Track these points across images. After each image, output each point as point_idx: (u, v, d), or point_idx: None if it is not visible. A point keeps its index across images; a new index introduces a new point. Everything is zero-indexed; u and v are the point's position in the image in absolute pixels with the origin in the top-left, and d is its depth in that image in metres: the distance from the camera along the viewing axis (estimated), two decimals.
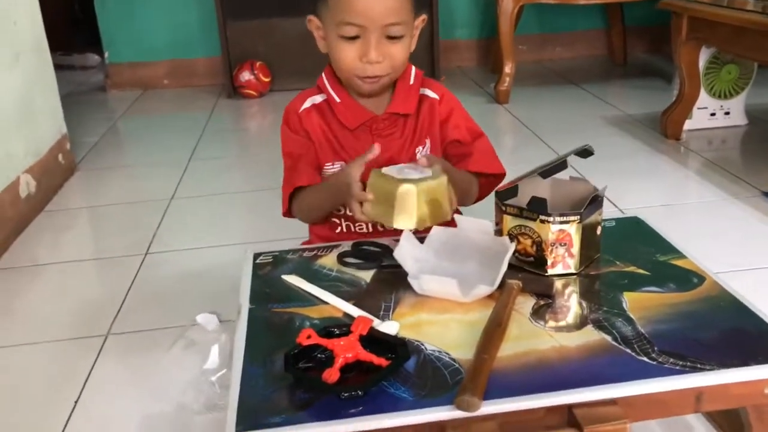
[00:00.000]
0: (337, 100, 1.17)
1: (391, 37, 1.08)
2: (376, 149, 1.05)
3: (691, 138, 2.43)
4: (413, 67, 1.20)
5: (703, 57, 2.37)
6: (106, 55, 3.57)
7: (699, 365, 0.77)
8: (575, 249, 0.96)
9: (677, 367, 0.76)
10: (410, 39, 1.12)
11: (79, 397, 1.24)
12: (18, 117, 2.04)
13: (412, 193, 0.96)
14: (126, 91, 3.54)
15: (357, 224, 1.20)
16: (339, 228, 1.21)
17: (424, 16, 1.15)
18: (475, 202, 1.21)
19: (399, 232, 1.16)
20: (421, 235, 1.03)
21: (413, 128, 1.19)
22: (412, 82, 1.19)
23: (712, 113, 2.49)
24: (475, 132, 1.21)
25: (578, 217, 0.95)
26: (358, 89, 1.15)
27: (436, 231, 1.02)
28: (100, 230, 2.04)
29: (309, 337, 0.81)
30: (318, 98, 1.19)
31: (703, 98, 2.44)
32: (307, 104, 1.19)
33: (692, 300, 0.90)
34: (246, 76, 3.25)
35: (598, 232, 1.01)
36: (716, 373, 0.76)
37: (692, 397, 0.76)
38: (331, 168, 1.18)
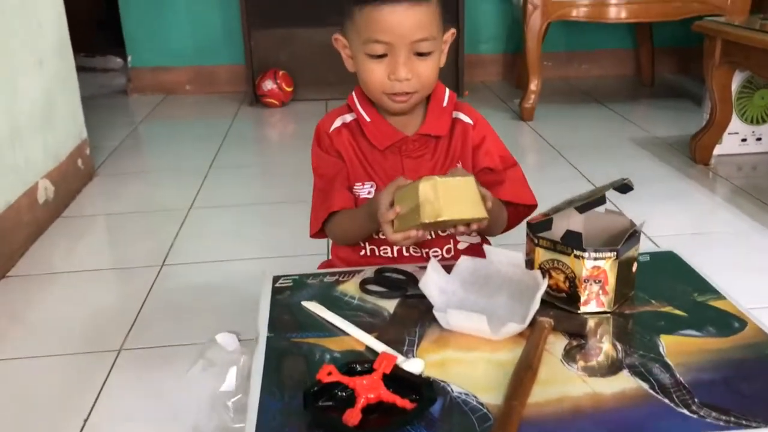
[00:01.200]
0: (367, 119, 1.13)
1: (419, 54, 1.05)
2: (400, 180, 1.00)
3: (720, 163, 2.38)
4: (447, 89, 1.16)
5: (736, 81, 2.32)
6: (129, 58, 3.56)
7: (744, 421, 0.72)
8: (610, 286, 0.92)
9: (721, 423, 0.72)
10: (439, 54, 1.09)
11: (89, 416, 1.21)
12: (39, 121, 2.02)
13: (432, 184, 0.92)
14: (148, 96, 3.54)
15: (382, 248, 1.16)
16: (363, 251, 1.17)
17: (453, 30, 1.11)
18: (503, 232, 1.17)
19: (424, 258, 1.12)
20: (447, 263, 0.99)
21: (445, 151, 1.15)
22: (445, 104, 1.15)
23: (743, 139, 2.43)
24: (509, 160, 1.17)
25: (614, 253, 0.91)
26: (388, 108, 1.11)
27: (464, 261, 0.98)
28: (116, 238, 2.01)
29: (330, 374, 0.77)
30: (348, 117, 1.16)
31: (735, 123, 2.38)
32: (337, 123, 1.15)
33: (734, 347, 0.85)
34: (268, 85, 3.23)
35: (634, 268, 0.97)
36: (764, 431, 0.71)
37: None
38: (361, 188, 1.14)
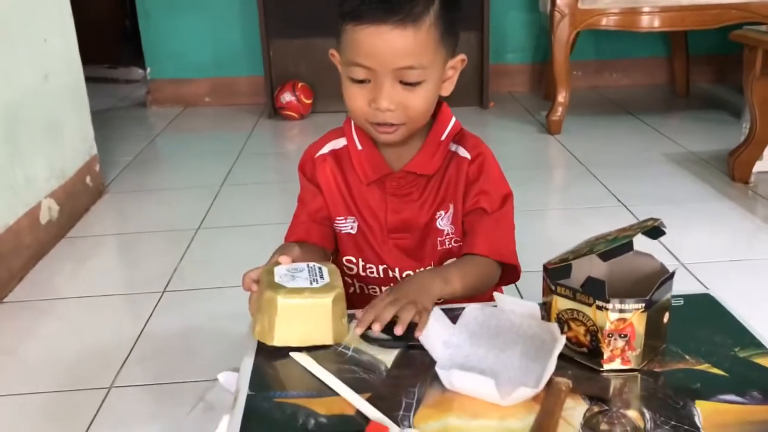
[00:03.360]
0: (359, 147, 1.02)
1: (406, 83, 0.93)
2: (283, 260, 0.91)
3: (761, 182, 2.23)
4: (453, 119, 1.03)
5: None
6: (149, 71, 3.51)
7: None
8: (637, 341, 0.81)
9: None
10: (434, 85, 0.95)
11: None
12: (42, 138, 1.96)
13: (273, 303, 0.83)
14: (167, 108, 3.48)
15: (370, 286, 1.08)
16: (352, 288, 1.09)
17: (463, 56, 0.98)
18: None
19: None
20: (453, 306, 0.88)
21: (435, 190, 1.03)
22: (443, 137, 1.02)
23: None
24: (504, 193, 1.03)
25: (643, 304, 0.79)
26: (375, 138, 1.00)
27: (472, 309, 0.87)
28: (120, 261, 1.94)
29: None
30: (340, 142, 1.05)
31: None
32: (325, 150, 1.06)
33: None
34: (287, 97, 3.15)
35: (666, 319, 0.85)
36: None
37: None
38: (344, 223, 1.05)
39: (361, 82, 0.93)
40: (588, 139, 2.77)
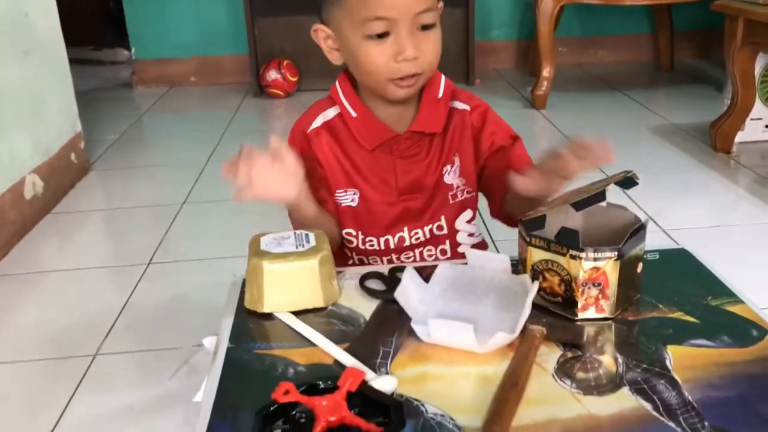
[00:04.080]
0: (353, 114, 1.02)
1: (423, 27, 0.94)
2: (273, 141, 0.90)
3: (742, 151, 2.25)
4: (443, 76, 1.04)
5: (760, 64, 2.19)
6: (133, 51, 3.50)
7: None
8: (611, 290, 0.82)
9: None
10: (439, 28, 0.97)
11: (56, 424, 1.13)
12: (25, 114, 1.95)
13: (260, 269, 0.85)
14: (152, 88, 3.47)
15: (370, 257, 1.07)
16: (351, 261, 1.09)
17: (441, 3, 0.99)
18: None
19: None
20: (425, 264, 0.89)
21: (440, 147, 1.04)
22: (440, 94, 1.03)
23: (767, 125, 2.30)
24: (512, 134, 1.06)
25: (615, 253, 0.80)
26: (391, 96, 0.98)
27: (443, 268, 0.88)
28: (105, 235, 1.94)
29: (287, 392, 0.68)
30: (331, 113, 1.04)
31: (758, 108, 2.26)
32: (317, 123, 1.03)
33: (752, 359, 0.75)
34: (272, 74, 3.14)
35: (639, 269, 0.86)
36: None
37: None
38: (344, 195, 1.04)
39: (380, 37, 0.93)
40: (573, 113, 2.78)
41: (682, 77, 3.32)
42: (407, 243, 1.06)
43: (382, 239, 1.06)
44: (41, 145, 2.01)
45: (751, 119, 2.27)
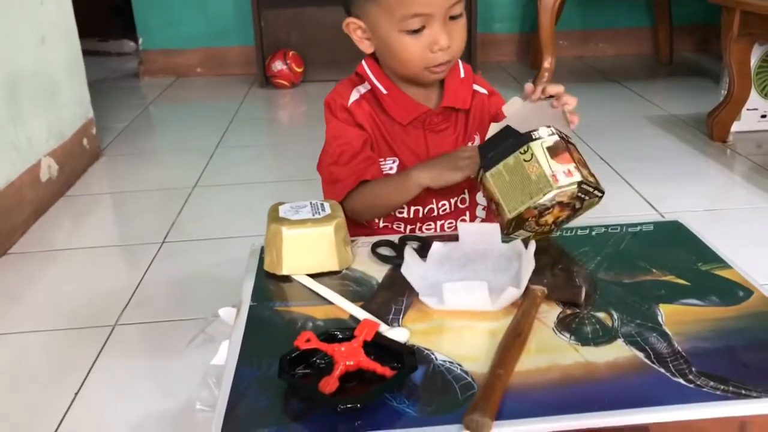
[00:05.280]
0: (384, 91, 1.08)
1: (453, 18, 1.02)
2: None
3: (738, 140, 2.31)
4: (460, 61, 1.12)
5: (756, 55, 2.24)
6: (140, 41, 3.55)
7: (744, 391, 0.68)
8: (501, 202, 0.91)
9: (718, 392, 0.68)
10: (465, 15, 1.05)
11: (79, 389, 1.19)
12: (41, 100, 2.00)
13: (279, 234, 0.90)
14: (159, 79, 3.52)
15: (395, 223, 1.14)
16: (376, 226, 1.15)
17: None
18: None
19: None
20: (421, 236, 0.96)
21: (464, 124, 1.12)
22: (463, 75, 1.12)
23: (762, 115, 2.36)
24: None
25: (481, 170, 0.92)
26: (424, 81, 1.07)
27: (437, 246, 0.93)
28: (119, 217, 1.99)
29: (308, 340, 0.74)
30: (362, 89, 1.10)
31: (754, 99, 2.31)
32: (354, 96, 1.09)
33: (737, 316, 0.81)
34: (278, 65, 3.19)
35: (533, 171, 0.89)
36: (764, 401, 0.66)
37: (735, 427, 0.67)
38: (383, 164, 1.10)
39: (417, 32, 1.00)
40: None
41: (681, 70, 3.37)
42: (435, 213, 1.13)
43: (413, 208, 1.12)
44: (56, 129, 2.06)
45: (747, 109, 2.32)
